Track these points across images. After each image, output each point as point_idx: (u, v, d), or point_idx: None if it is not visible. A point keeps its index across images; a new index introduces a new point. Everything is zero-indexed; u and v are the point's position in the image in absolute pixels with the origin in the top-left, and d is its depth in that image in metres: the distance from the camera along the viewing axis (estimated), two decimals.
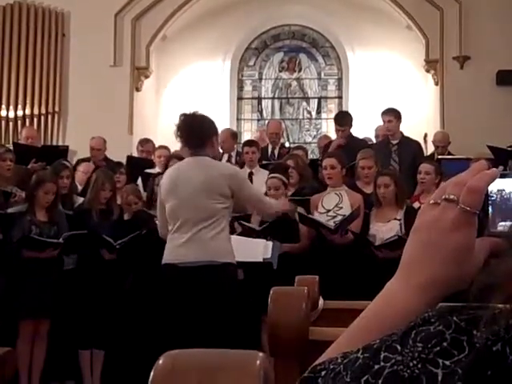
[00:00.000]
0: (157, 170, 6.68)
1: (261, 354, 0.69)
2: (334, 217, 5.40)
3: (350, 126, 7.41)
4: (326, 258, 5.17)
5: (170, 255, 4.20)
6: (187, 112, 4.44)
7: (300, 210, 5.52)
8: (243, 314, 4.26)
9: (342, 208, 5.39)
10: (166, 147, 7.58)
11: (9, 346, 1.79)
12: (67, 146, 7.54)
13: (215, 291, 4.09)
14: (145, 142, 7.89)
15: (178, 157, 6.53)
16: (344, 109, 10.27)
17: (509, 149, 6.82)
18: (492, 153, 6.65)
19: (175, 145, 8.07)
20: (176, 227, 4.20)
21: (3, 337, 4.88)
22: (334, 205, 5.46)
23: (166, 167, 6.20)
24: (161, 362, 0.68)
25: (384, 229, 5.22)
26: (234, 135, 7.78)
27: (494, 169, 0.80)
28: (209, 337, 3.91)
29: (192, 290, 4.08)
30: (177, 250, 4.16)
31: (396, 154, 6.91)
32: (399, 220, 5.22)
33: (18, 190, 5.68)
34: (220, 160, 6.24)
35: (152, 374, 0.68)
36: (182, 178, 4.23)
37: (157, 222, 4.63)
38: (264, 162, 6.99)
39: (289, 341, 1.82)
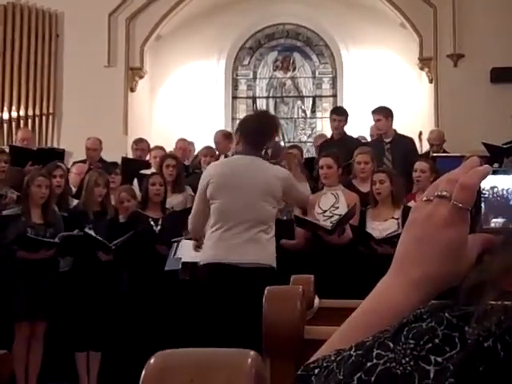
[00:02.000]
0: (152, 170, 6.68)
1: (252, 353, 0.68)
2: (331, 217, 5.40)
3: (346, 119, 7.43)
4: (322, 257, 5.17)
5: (220, 255, 4.04)
6: (258, 109, 4.45)
7: (296, 211, 5.52)
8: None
9: (338, 208, 5.39)
10: (161, 147, 7.58)
11: (5, 349, 1.78)
12: (63, 150, 7.53)
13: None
14: (139, 141, 7.89)
15: (173, 156, 6.55)
16: None
17: (504, 146, 6.83)
18: (487, 150, 6.66)
19: (170, 145, 8.11)
20: (228, 226, 4.07)
21: None
22: (330, 205, 5.46)
23: (160, 167, 6.21)
24: (152, 361, 0.68)
25: (381, 227, 5.22)
26: (227, 136, 7.78)
27: (486, 165, 0.80)
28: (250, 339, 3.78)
29: (245, 291, 3.90)
30: (232, 249, 4.03)
31: (389, 152, 6.91)
32: (397, 219, 5.22)
33: (14, 192, 5.67)
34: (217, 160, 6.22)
35: (143, 373, 0.67)
36: (237, 177, 4.12)
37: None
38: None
39: (284, 340, 1.82)
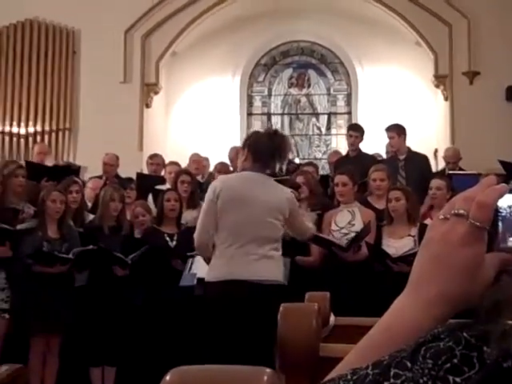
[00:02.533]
0: (167, 186, 6.70)
1: (268, 370, 0.68)
2: (347, 234, 5.39)
3: (362, 136, 7.44)
4: (338, 275, 5.15)
5: (237, 271, 3.96)
6: (270, 128, 4.38)
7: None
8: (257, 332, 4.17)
9: (354, 225, 5.38)
10: (176, 163, 7.60)
11: (21, 363, 1.79)
12: (79, 166, 7.58)
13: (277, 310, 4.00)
14: (154, 156, 7.95)
15: (188, 172, 6.57)
16: None
17: None
18: (503, 167, 6.62)
19: (185, 161, 8.13)
20: (242, 243, 3.99)
21: (15, 353, 4.88)
22: (346, 222, 5.45)
23: (175, 183, 6.22)
24: (168, 377, 0.68)
25: (397, 245, 5.20)
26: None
27: (504, 184, 0.80)
28: (265, 356, 3.70)
29: (261, 307, 3.86)
30: (248, 266, 3.97)
31: (403, 169, 6.91)
32: (413, 236, 5.20)
33: (30, 207, 5.70)
34: None
35: None
36: (250, 193, 4.06)
37: (196, 230, 4.31)
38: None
39: (299, 357, 1.81)
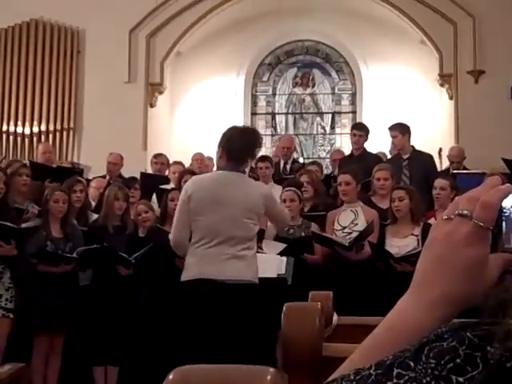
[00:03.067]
0: (171, 185, 6.70)
1: (271, 370, 0.68)
2: (350, 233, 5.40)
3: (367, 135, 7.40)
4: (341, 274, 5.15)
5: (207, 270, 4.02)
6: (236, 125, 4.39)
7: (314, 227, 5.52)
8: (262, 330, 4.21)
9: (357, 224, 5.38)
10: (180, 163, 7.61)
11: (23, 362, 1.79)
12: (83, 169, 7.59)
13: (252, 309, 4.05)
14: (158, 156, 7.95)
15: (192, 172, 6.56)
16: None
17: None
18: (507, 166, 6.61)
19: (189, 160, 8.14)
20: (213, 243, 4.04)
21: (18, 352, 4.88)
22: (349, 221, 5.45)
23: (179, 183, 6.22)
24: (171, 377, 0.68)
25: (400, 244, 5.20)
26: None
27: (508, 184, 0.79)
28: (237, 353, 3.80)
29: (232, 307, 3.97)
30: (217, 266, 4.02)
31: (406, 168, 6.89)
32: (416, 236, 5.19)
33: (34, 206, 5.71)
34: None
35: None
36: (223, 194, 4.09)
37: (171, 229, 4.42)
38: (277, 179, 6.98)
39: (302, 356, 1.81)
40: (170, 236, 4.25)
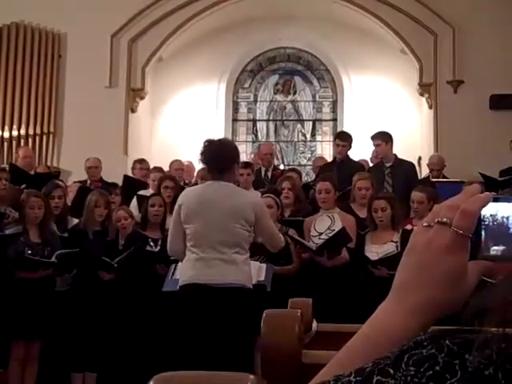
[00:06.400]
0: (150, 191, 6.68)
1: (252, 376, 0.68)
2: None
3: (350, 144, 7.41)
4: (320, 281, 5.16)
5: (199, 275, 4.18)
6: (212, 138, 4.52)
7: (291, 231, 5.55)
8: (238, 336, 4.23)
9: (334, 230, 5.39)
10: (160, 169, 7.58)
11: (1, 368, 1.77)
12: (59, 172, 7.55)
13: (242, 314, 4.12)
14: (143, 161, 7.97)
15: (171, 178, 6.56)
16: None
17: (499, 179, 6.85)
18: (484, 180, 6.66)
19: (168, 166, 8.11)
20: (203, 249, 4.21)
21: None
22: (326, 227, 5.47)
23: (158, 189, 6.22)
24: (152, 383, 0.68)
25: (380, 251, 5.23)
26: None
27: (487, 192, 0.80)
28: (223, 359, 3.91)
29: (222, 311, 4.09)
30: (207, 270, 4.17)
31: (389, 176, 6.93)
32: (396, 242, 5.22)
33: (12, 211, 5.66)
34: None
35: None
36: (209, 202, 4.26)
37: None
38: (260, 190, 6.97)
39: (282, 363, 1.81)
40: (167, 245, 4.49)
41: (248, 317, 4.10)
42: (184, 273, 4.32)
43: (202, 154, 4.38)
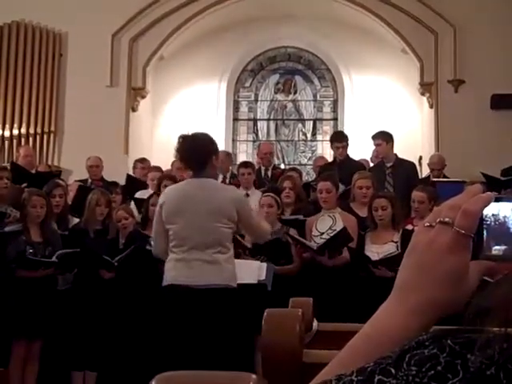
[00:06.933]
0: (149, 191, 6.67)
1: (253, 376, 0.68)
2: None
3: (348, 143, 7.42)
4: (321, 280, 5.16)
5: (179, 276, 4.13)
6: (186, 133, 4.36)
7: (292, 231, 5.54)
8: (238, 336, 4.22)
9: (335, 230, 5.39)
10: (159, 168, 7.58)
11: (1, 367, 1.77)
12: (60, 171, 7.55)
13: (227, 314, 4.08)
14: (144, 160, 7.98)
15: (170, 177, 6.55)
16: None
17: (502, 179, 6.84)
18: (486, 180, 6.66)
19: (170, 165, 8.11)
20: (185, 249, 4.14)
21: None
22: (327, 227, 5.47)
23: (158, 188, 6.21)
24: (154, 383, 0.68)
25: (380, 251, 5.22)
26: (229, 156, 7.79)
27: (489, 192, 0.80)
28: (214, 358, 3.85)
29: (204, 312, 4.03)
30: (189, 271, 4.11)
31: (390, 176, 6.92)
32: (396, 242, 5.22)
33: (13, 210, 5.66)
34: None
35: None
36: (189, 201, 4.16)
37: (151, 241, 4.58)
38: (261, 189, 6.96)
39: (282, 363, 1.81)
40: (152, 244, 4.44)
41: (235, 316, 4.08)
42: (166, 273, 4.23)
43: (177, 150, 4.29)
